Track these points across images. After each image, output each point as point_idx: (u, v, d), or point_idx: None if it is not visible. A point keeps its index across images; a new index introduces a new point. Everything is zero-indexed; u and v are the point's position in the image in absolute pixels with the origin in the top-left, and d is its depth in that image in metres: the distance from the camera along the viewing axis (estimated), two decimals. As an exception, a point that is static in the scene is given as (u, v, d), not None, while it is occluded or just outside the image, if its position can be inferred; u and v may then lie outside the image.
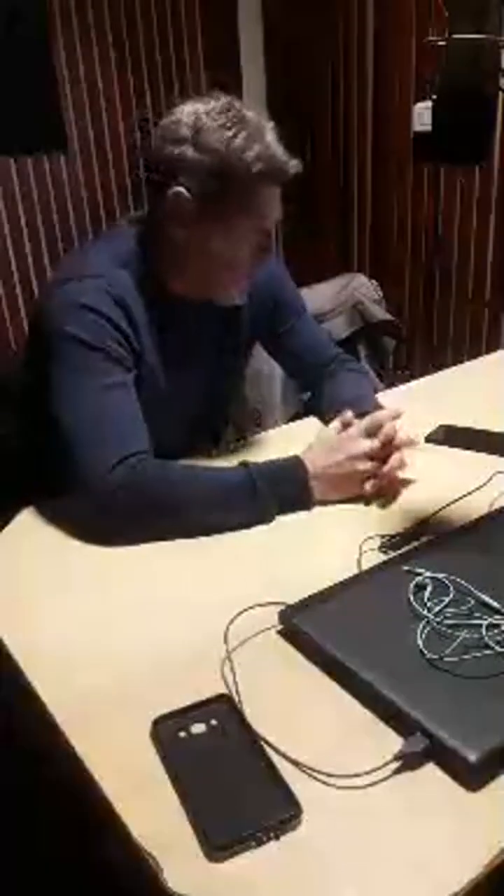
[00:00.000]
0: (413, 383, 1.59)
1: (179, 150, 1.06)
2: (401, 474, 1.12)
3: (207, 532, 1.02)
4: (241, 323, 1.29)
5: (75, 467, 1.01)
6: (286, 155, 1.08)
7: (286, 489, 1.06)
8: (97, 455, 1.01)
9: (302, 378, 1.46)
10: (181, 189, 1.07)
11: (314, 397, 1.39)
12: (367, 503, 1.09)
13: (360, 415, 1.16)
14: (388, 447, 1.11)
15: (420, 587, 0.84)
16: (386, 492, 1.10)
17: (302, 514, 1.07)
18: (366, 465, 1.09)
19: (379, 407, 1.24)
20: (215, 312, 1.22)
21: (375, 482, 1.09)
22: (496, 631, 0.76)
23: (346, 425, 1.15)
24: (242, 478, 1.05)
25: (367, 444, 1.10)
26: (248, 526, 1.04)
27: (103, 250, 1.17)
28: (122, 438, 1.04)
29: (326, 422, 1.21)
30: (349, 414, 1.16)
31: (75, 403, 1.04)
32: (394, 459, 1.11)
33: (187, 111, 1.06)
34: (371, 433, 1.12)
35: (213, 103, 1.07)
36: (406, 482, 1.12)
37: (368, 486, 1.09)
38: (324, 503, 1.08)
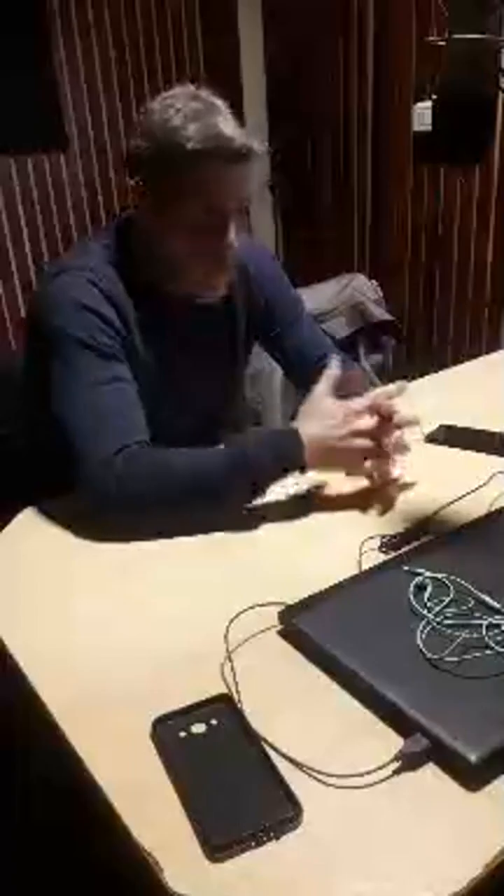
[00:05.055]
0: (413, 383, 1.59)
1: (131, 142, 1.08)
2: (405, 476, 1.11)
3: (209, 510, 1.02)
4: (236, 322, 1.29)
5: (76, 461, 1.02)
6: (237, 132, 1.03)
7: (279, 452, 1.05)
8: (97, 446, 1.01)
9: (297, 378, 1.43)
10: (137, 181, 1.08)
11: (308, 393, 1.38)
12: (367, 503, 1.08)
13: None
14: (388, 426, 1.08)
15: (420, 587, 0.84)
16: (383, 476, 1.10)
17: (302, 515, 1.07)
18: (367, 443, 1.06)
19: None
20: (208, 311, 1.21)
21: (374, 463, 1.09)
22: (496, 631, 0.76)
23: (340, 395, 1.10)
24: (234, 449, 1.05)
25: (371, 422, 1.07)
26: (246, 498, 1.04)
27: (93, 246, 1.17)
28: (120, 429, 1.04)
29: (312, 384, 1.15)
30: (334, 370, 1.12)
31: (73, 399, 1.05)
32: (394, 437, 1.08)
33: (149, 104, 1.07)
34: (373, 410, 1.08)
35: (170, 90, 1.06)
36: (406, 482, 1.12)
37: (368, 463, 1.08)
38: (324, 504, 1.08)
